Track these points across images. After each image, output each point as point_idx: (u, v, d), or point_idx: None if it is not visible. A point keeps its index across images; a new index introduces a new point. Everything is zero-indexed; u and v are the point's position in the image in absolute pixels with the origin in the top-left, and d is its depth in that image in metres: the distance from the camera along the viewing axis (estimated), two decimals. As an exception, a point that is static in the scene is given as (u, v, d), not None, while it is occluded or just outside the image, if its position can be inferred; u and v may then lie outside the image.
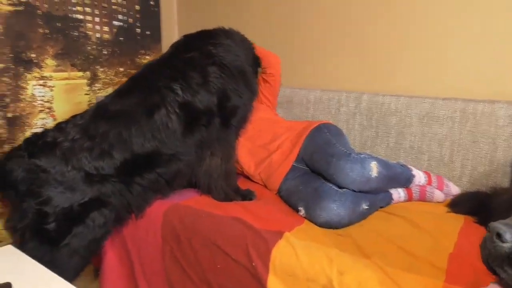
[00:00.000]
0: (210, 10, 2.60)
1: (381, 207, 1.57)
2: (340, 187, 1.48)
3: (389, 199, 1.60)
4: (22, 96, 2.06)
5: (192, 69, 1.62)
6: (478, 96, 1.71)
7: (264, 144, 1.84)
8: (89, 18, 2.32)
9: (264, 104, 2.12)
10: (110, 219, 1.45)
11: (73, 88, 2.29)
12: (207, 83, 1.62)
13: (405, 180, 1.62)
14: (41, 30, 2.10)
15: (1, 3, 1.94)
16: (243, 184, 1.84)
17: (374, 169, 1.47)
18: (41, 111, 2.14)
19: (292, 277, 1.21)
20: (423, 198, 1.63)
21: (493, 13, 1.68)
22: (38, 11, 2.08)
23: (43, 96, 2.15)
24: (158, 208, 1.57)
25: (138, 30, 2.61)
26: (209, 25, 2.55)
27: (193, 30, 2.70)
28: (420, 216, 1.47)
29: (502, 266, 0.71)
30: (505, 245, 0.72)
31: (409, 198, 1.64)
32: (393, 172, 1.56)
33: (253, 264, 1.28)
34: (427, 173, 1.69)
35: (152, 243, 1.55)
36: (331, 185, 1.49)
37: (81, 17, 2.28)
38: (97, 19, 2.36)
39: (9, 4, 1.96)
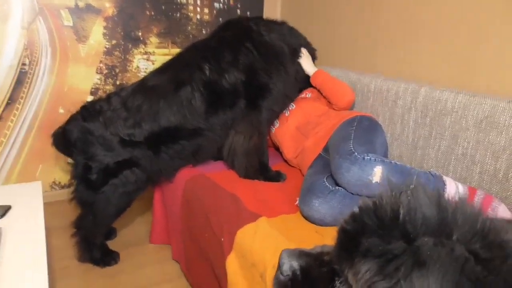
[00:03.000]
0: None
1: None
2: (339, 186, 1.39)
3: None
4: (128, 68, 2.52)
5: (225, 47, 1.72)
6: None
7: (305, 131, 1.83)
8: (191, 1, 2.61)
9: None
10: (141, 178, 1.71)
11: (172, 63, 2.65)
12: (237, 61, 1.69)
13: (431, 191, 1.40)
14: (148, 13, 2.49)
15: (117, -10, 2.38)
16: (283, 169, 1.88)
17: (377, 174, 1.33)
18: (143, 81, 2.57)
19: (243, 259, 1.25)
20: (450, 215, 1.39)
21: None
22: (147, -4, 2.47)
23: (146, 68, 2.57)
24: (183, 175, 1.77)
25: (238, 12, 2.80)
26: (310, 7, 2.57)
27: (295, 11, 2.77)
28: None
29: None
30: (282, 277, 0.63)
31: (434, 212, 1.41)
32: (411, 181, 1.37)
33: (222, 239, 1.36)
34: (472, 190, 1.40)
35: (176, 204, 1.77)
36: (326, 181, 1.41)
37: (184, 0, 2.59)
38: (198, 2, 2.64)
39: (123, -9, 2.40)
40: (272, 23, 1.87)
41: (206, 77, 1.66)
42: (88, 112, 1.70)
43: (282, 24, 1.92)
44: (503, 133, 1.40)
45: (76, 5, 2.28)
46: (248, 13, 2.83)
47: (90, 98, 2.44)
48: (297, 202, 1.47)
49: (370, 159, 1.36)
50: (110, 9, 2.37)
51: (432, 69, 1.81)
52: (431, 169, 1.56)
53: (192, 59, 1.72)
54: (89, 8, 2.32)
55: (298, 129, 1.86)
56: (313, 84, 1.97)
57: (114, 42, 2.43)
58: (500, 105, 1.40)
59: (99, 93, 2.46)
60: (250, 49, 1.71)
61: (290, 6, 2.82)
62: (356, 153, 1.37)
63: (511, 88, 1.51)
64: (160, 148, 1.69)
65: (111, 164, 1.66)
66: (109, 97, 1.74)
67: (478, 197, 1.38)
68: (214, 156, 1.86)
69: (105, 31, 2.39)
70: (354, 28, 2.24)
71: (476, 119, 1.48)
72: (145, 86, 1.72)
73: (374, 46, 2.10)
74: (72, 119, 1.73)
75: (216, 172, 1.78)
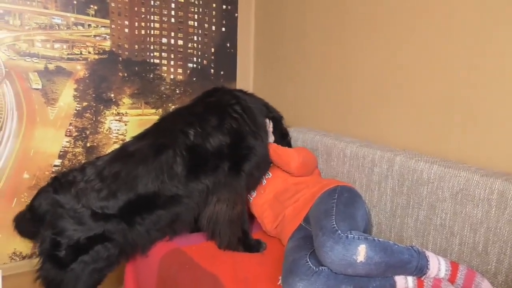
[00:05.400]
0: (283, 53, 2.65)
1: (378, 295, 1.38)
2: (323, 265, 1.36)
3: (390, 287, 1.39)
4: (100, 129, 2.45)
5: (211, 112, 1.73)
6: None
7: (284, 200, 1.80)
8: (164, 62, 2.62)
9: None
10: (113, 254, 1.61)
11: (145, 123, 2.58)
12: (222, 125, 1.69)
13: (415, 270, 1.38)
14: (120, 74, 2.46)
15: (89, 52, 2.35)
16: (262, 238, 1.83)
17: (361, 253, 1.31)
18: (115, 142, 2.50)
19: None
20: (435, 294, 1.37)
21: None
22: (120, 58, 2.45)
23: (118, 130, 2.51)
24: (158, 250, 1.69)
25: (212, 71, 2.82)
26: (284, 67, 2.64)
27: (269, 70, 2.83)
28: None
29: None
30: None
31: (419, 290, 1.39)
32: (395, 259, 1.35)
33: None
34: (454, 266, 1.39)
35: (151, 283, 1.67)
36: (308, 260, 1.38)
37: (157, 61, 2.59)
38: (172, 63, 2.65)
39: (96, 53, 2.37)
40: (253, 95, 1.95)
41: (190, 141, 1.64)
42: (59, 183, 1.62)
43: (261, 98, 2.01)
44: (479, 206, 1.42)
45: (46, 68, 2.23)
46: (221, 72, 2.85)
47: (58, 162, 2.34)
48: (279, 282, 1.42)
49: (354, 237, 1.34)
50: (81, 71, 2.33)
51: (404, 133, 1.86)
52: (414, 244, 1.56)
53: (176, 125, 1.70)
54: (59, 71, 2.27)
55: (276, 198, 1.83)
56: None
57: (85, 104, 2.37)
58: (474, 178, 1.44)
59: (67, 156, 2.36)
60: (239, 112, 1.73)
61: (264, 65, 2.87)
62: (339, 231, 1.35)
63: (480, 153, 1.57)
64: (135, 219, 1.61)
65: (81, 239, 1.57)
66: (84, 167, 1.67)
67: (461, 273, 1.38)
68: (190, 227, 1.79)
69: (75, 93, 2.33)
70: (329, 90, 2.29)
71: (452, 191, 1.50)
72: (123, 153, 1.66)
73: (348, 109, 2.15)
74: (42, 191, 1.64)
75: (193, 246, 1.71)
